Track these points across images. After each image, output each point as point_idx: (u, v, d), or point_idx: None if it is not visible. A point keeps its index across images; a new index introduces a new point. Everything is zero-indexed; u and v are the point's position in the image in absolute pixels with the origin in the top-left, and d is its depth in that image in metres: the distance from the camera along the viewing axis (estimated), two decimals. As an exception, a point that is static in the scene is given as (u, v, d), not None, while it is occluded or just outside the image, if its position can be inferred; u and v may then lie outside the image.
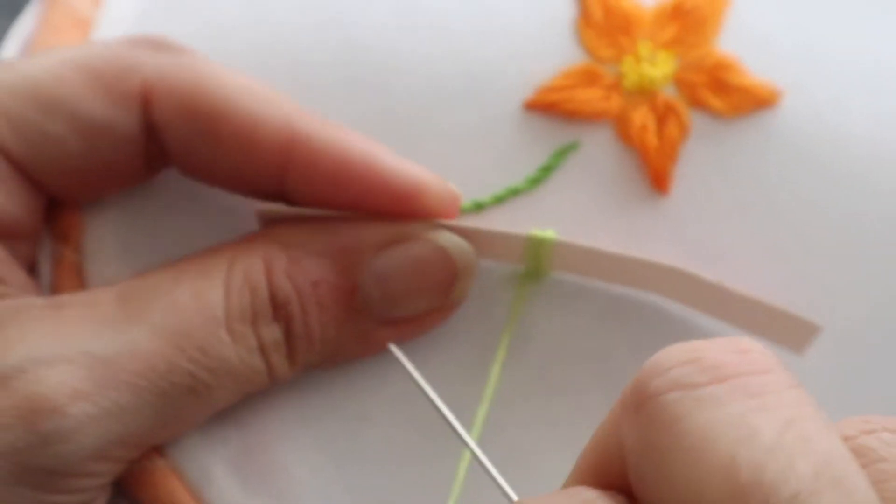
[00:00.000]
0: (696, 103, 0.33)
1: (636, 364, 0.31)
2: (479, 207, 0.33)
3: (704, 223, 0.33)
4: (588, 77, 0.33)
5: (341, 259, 0.29)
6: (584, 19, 0.34)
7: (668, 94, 0.33)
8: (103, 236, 0.32)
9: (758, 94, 0.33)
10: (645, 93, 0.33)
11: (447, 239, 0.30)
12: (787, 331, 0.30)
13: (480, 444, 0.29)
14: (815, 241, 0.33)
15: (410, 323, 0.31)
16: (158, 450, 0.31)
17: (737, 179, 0.33)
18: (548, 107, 0.33)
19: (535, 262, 0.31)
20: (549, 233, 0.31)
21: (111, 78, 0.29)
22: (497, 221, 0.33)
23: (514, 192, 0.33)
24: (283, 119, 0.29)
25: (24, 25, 0.35)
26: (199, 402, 0.29)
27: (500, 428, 0.32)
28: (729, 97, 0.33)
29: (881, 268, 0.32)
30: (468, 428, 0.30)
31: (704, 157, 0.33)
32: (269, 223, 0.30)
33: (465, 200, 0.33)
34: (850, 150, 0.33)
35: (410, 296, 0.30)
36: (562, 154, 0.33)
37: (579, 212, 0.33)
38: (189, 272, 0.29)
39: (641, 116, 0.33)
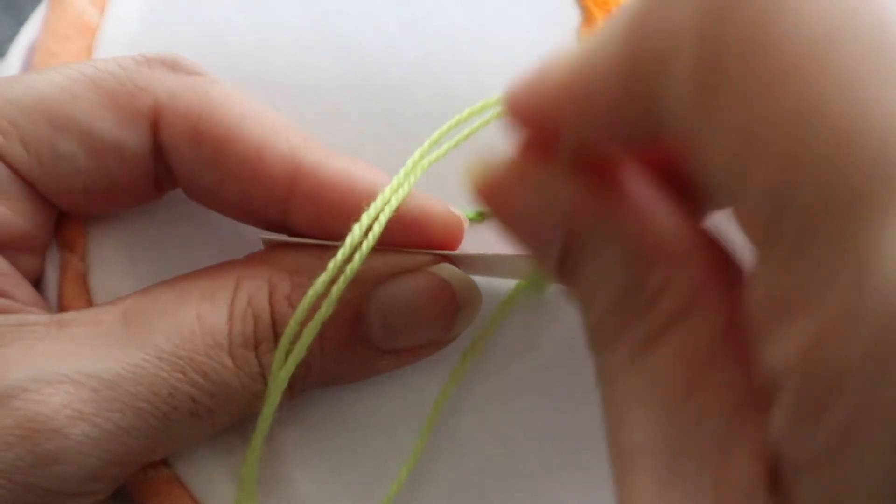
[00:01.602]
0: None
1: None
2: (482, 218, 0.33)
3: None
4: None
5: (346, 289, 0.29)
6: (588, 26, 0.34)
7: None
8: (108, 245, 0.33)
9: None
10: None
11: (451, 272, 0.30)
12: None
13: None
14: None
15: (412, 352, 0.31)
16: (163, 459, 0.31)
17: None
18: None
19: (535, 277, 0.31)
20: None
21: (123, 98, 0.29)
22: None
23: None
24: (289, 148, 0.29)
25: (30, 32, 0.34)
26: (199, 424, 0.29)
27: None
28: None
29: None
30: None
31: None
32: (275, 247, 0.30)
33: (469, 211, 0.33)
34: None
35: (412, 328, 0.30)
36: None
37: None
38: (193, 294, 0.29)
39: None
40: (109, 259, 0.32)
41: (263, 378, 0.29)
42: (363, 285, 0.29)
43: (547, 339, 0.32)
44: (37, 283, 0.32)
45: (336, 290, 0.28)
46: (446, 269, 0.30)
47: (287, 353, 0.28)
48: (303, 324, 0.28)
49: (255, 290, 0.29)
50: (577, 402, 0.32)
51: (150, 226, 0.33)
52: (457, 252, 0.31)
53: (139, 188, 0.30)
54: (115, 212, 0.32)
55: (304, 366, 0.29)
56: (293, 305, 0.29)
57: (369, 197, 0.29)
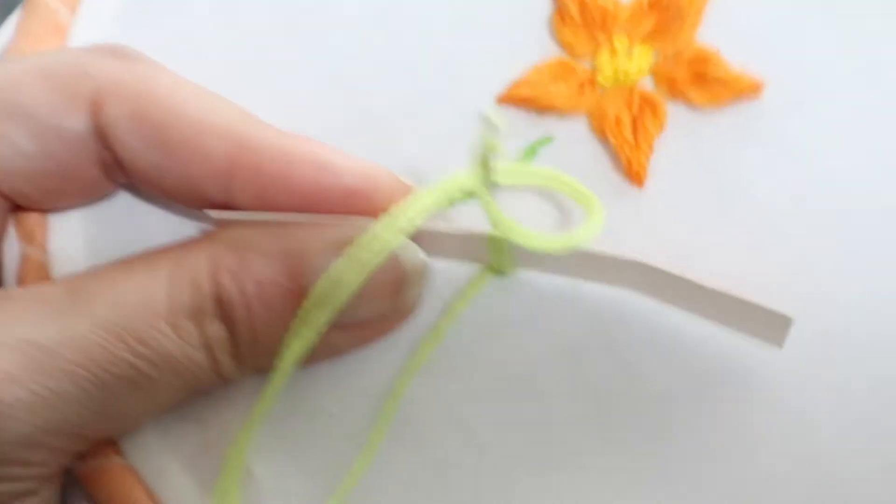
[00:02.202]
0: (675, 96, 0.32)
1: (610, 362, 0.31)
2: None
3: (681, 218, 0.32)
4: (562, 71, 0.33)
5: (289, 260, 0.28)
6: (560, 15, 0.33)
7: (646, 87, 0.33)
8: (69, 236, 0.32)
9: (738, 85, 0.32)
10: (620, 86, 0.33)
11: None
12: (760, 323, 0.29)
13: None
14: (796, 236, 0.31)
15: (364, 328, 0.30)
16: (116, 448, 0.30)
17: (716, 173, 0.32)
18: (521, 101, 0.33)
19: (497, 261, 0.30)
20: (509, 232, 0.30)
21: (64, 81, 0.29)
22: (467, 218, 0.32)
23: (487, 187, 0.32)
24: (228, 124, 0.29)
25: (4, 33, 0.35)
26: (142, 396, 0.28)
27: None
28: (708, 89, 0.32)
29: (863, 264, 0.31)
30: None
31: (683, 149, 0.32)
32: (224, 225, 0.30)
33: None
34: (835, 144, 0.32)
35: (358, 300, 0.29)
36: (535, 149, 0.32)
37: (553, 206, 0.32)
38: (137, 267, 0.29)
39: (616, 110, 0.32)
40: (72, 250, 0.32)
41: (206, 349, 0.28)
42: (308, 255, 0.28)
43: (512, 325, 0.31)
44: (-4, 275, 0.32)
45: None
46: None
47: (228, 320, 0.28)
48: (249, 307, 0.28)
49: (197, 262, 0.28)
50: (544, 391, 0.31)
51: (112, 216, 0.32)
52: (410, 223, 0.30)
53: (88, 177, 0.30)
54: (72, 204, 0.32)
55: (254, 342, 0.28)
56: (236, 279, 0.28)
57: (309, 168, 0.29)
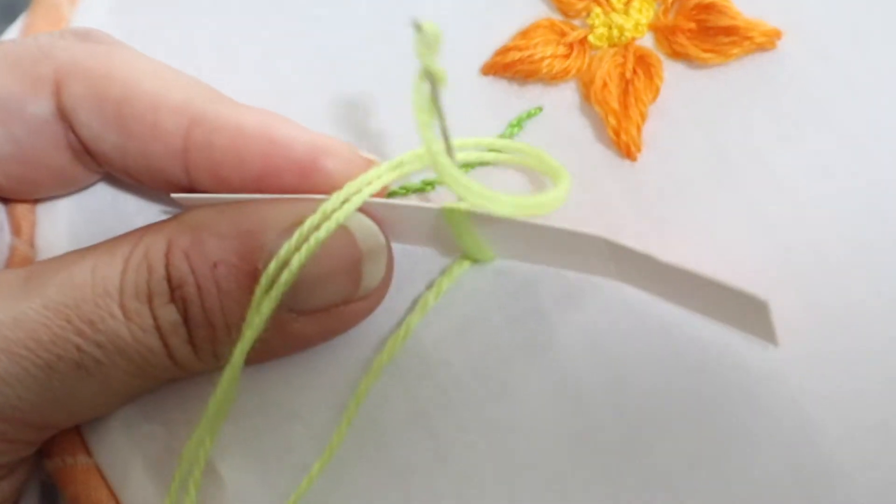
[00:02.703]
0: (676, 53, 0.29)
1: (590, 362, 0.27)
2: (429, 186, 0.30)
3: (681, 193, 0.28)
4: (550, 33, 0.30)
5: (243, 241, 0.27)
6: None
7: (644, 45, 0.29)
8: (56, 230, 0.32)
9: (751, 34, 0.28)
10: (615, 46, 0.29)
11: (349, 219, 0.27)
12: (738, 310, 0.25)
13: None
14: (815, 218, 0.27)
15: (329, 315, 0.28)
16: (84, 447, 0.30)
17: (723, 139, 0.28)
18: (506, 69, 0.30)
19: (462, 238, 0.28)
20: (461, 204, 0.27)
21: (25, 64, 0.29)
22: (449, 198, 0.29)
23: (468, 167, 0.29)
24: (183, 100, 0.28)
25: (13, 31, 0.35)
26: (90, 380, 0.27)
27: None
28: (714, 41, 0.28)
29: (886, 256, 0.26)
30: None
31: (683, 115, 0.28)
32: (187, 208, 0.29)
33: (415, 180, 0.30)
34: (864, 105, 0.27)
35: (314, 281, 0.27)
36: (521, 122, 0.29)
37: (540, 180, 0.29)
38: (95, 250, 0.28)
39: (604, 73, 0.28)
40: (57, 243, 0.32)
41: (158, 333, 0.27)
42: (261, 235, 0.27)
43: (483, 322, 0.28)
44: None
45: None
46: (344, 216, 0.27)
47: (181, 302, 0.27)
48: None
49: (152, 243, 0.27)
50: (514, 393, 0.28)
51: (98, 209, 0.32)
52: (372, 200, 0.27)
53: (57, 162, 0.30)
54: (51, 193, 0.32)
55: (208, 326, 0.27)
56: (190, 259, 0.27)
57: (259, 142, 0.27)
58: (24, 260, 0.32)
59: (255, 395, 0.29)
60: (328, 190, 0.27)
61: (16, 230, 0.32)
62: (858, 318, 0.26)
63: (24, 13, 0.35)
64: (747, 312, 0.25)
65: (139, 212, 0.32)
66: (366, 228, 0.27)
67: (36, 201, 0.32)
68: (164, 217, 0.31)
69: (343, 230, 0.27)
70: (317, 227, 0.26)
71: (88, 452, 0.30)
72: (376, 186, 0.27)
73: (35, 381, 0.27)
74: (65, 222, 0.32)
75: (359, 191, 0.27)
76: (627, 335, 0.27)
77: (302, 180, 0.27)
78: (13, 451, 0.28)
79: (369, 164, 0.28)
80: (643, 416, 0.27)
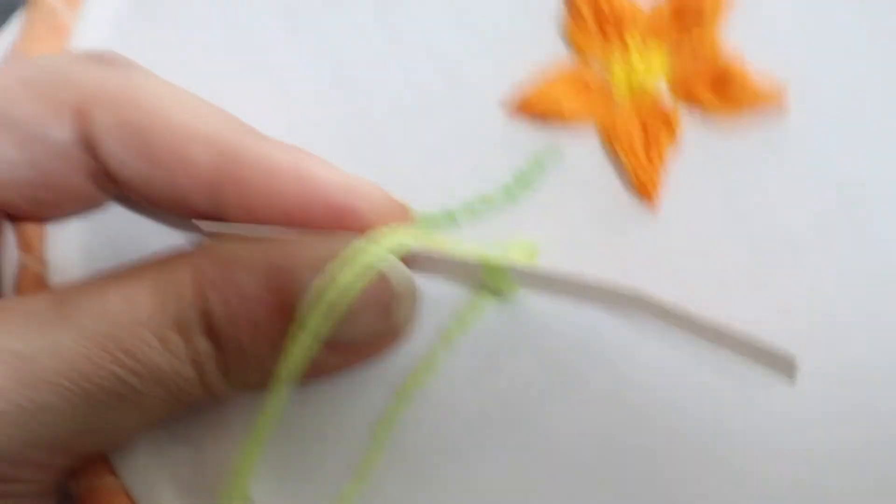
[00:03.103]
0: (692, 102, 0.31)
1: (611, 393, 0.29)
2: (450, 219, 0.31)
3: (695, 241, 0.30)
4: (571, 76, 0.31)
5: (274, 275, 0.28)
6: (572, 14, 0.31)
7: (661, 93, 0.31)
8: (66, 247, 0.32)
9: (761, 93, 0.30)
10: (634, 93, 0.31)
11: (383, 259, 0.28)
12: (766, 360, 0.27)
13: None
14: (818, 266, 0.29)
15: (356, 348, 0.29)
16: (110, 468, 0.30)
17: (734, 189, 0.30)
18: (529, 109, 0.31)
19: (495, 286, 0.29)
20: (505, 257, 0.28)
21: (48, 88, 0.29)
22: (469, 233, 0.31)
23: (489, 203, 0.31)
24: (213, 131, 0.28)
25: (8, 35, 0.34)
26: (129, 409, 0.27)
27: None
28: (728, 96, 0.30)
29: (886, 301, 0.29)
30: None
31: (698, 165, 0.30)
32: (212, 237, 0.29)
33: (437, 210, 0.31)
34: (865, 163, 0.30)
35: (347, 318, 0.28)
36: (542, 161, 0.31)
37: (559, 224, 0.31)
38: (124, 278, 0.28)
39: (626, 119, 0.30)
40: (69, 260, 0.32)
41: (193, 363, 0.27)
42: (294, 271, 0.27)
43: (510, 352, 0.30)
44: (-7, 284, 0.32)
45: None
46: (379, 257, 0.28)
47: (213, 334, 0.28)
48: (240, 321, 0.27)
49: (184, 274, 0.28)
50: (541, 422, 0.29)
51: (109, 226, 0.32)
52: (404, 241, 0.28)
53: (76, 186, 0.30)
54: (66, 216, 0.31)
55: (240, 357, 0.28)
56: (220, 292, 0.27)
57: (293, 181, 0.28)
58: (35, 276, 0.32)
59: (283, 417, 0.30)
60: (361, 231, 0.28)
61: (25, 246, 0.32)
62: (862, 377, 0.29)
63: (17, 16, 0.35)
64: (772, 362, 0.27)
65: (152, 229, 0.32)
66: (399, 270, 0.28)
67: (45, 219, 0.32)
68: (179, 237, 0.31)
69: (376, 271, 0.28)
70: (350, 267, 0.27)
71: (114, 473, 0.30)
72: (412, 239, 0.28)
73: (75, 410, 0.27)
74: (76, 237, 0.32)
75: (393, 236, 0.28)
76: (644, 370, 0.29)
77: (334, 221, 0.28)
78: (47, 479, 0.28)
79: (401, 208, 0.29)
80: (657, 449, 0.29)
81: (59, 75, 0.29)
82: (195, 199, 0.29)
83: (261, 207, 0.28)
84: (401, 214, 0.29)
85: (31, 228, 0.32)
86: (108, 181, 0.30)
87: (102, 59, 0.30)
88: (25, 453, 0.27)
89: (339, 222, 0.28)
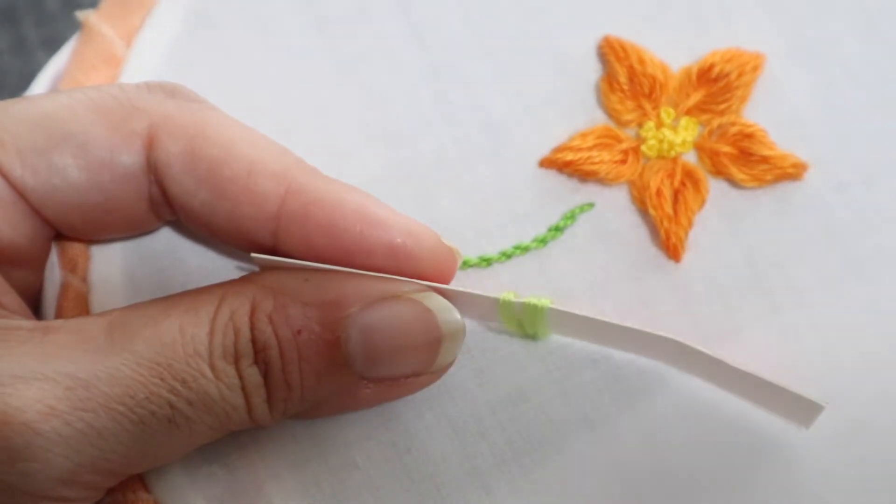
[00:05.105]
0: (718, 171, 0.33)
1: (634, 434, 0.31)
2: (486, 263, 0.33)
3: (717, 295, 0.32)
4: (607, 139, 0.33)
5: (327, 311, 0.29)
6: (608, 82, 0.34)
7: (689, 160, 0.33)
8: (110, 268, 0.33)
9: (782, 165, 0.32)
10: (664, 158, 0.33)
11: (435, 302, 0.29)
12: (792, 407, 0.29)
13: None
14: (828, 321, 0.32)
15: (397, 384, 0.30)
16: (144, 484, 0.31)
17: (755, 252, 0.32)
18: (563, 166, 0.33)
19: (530, 327, 0.31)
20: (544, 301, 0.30)
21: (119, 116, 0.30)
22: (502, 278, 0.32)
23: (522, 250, 0.32)
24: (280, 168, 0.29)
25: (59, 61, 0.35)
26: (178, 435, 0.28)
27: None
28: (752, 167, 0.32)
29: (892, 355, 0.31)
30: None
31: (722, 226, 0.32)
32: (264, 269, 0.30)
33: (474, 255, 0.33)
34: (874, 230, 0.32)
35: (394, 355, 0.29)
36: (574, 215, 0.33)
37: (588, 273, 0.32)
38: (178, 306, 0.29)
39: (658, 182, 0.32)
40: (112, 281, 0.32)
41: (243, 392, 0.28)
42: (346, 307, 0.29)
43: (536, 390, 0.32)
44: (35, 301, 0.33)
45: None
46: (431, 299, 0.29)
47: (263, 365, 0.28)
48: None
49: (237, 305, 0.29)
50: (563, 463, 0.31)
51: (152, 250, 0.33)
52: (445, 286, 0.30)
53: (134, 211, 0.31)
54: (115, 237, 0.32)
55: (286, 388, 0.29)
56: (274, 324, 0.28)
57: (356, 221, 0.29)
58: (77, 295, 0.32)
59: (313, 444, 0.31)
60: (413, 273, 0.29)
61: (70, 266, 0.32)
62: (873, 413, 0.31)
63: (70, 44, 0.35)
64: (795, 408, 0.29)
65: (195, 256, 0.33)
66: (447, 311, 0.29)
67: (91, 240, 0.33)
68: (224, 264, 0.32)
69: (426, 311, 0.29)
70: (404, 307, 0.29)
71: (148, 490, 0.31)
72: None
73: (129, 435, 0.27)
74: (119, 259, 0.33)
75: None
76: (667, 412, 0.31)
77: (391, 261, 0.29)
78: (91, 498, 0.29)
79: (451, 253, 0.30)
80: (678, 489, 0.31)
81: (130, 103, 0.30)
82: (256, 231, 0.30)
83: (322, 244, 0.29)
84: (451, 258, 0.30)
85: (75, 248, 0.32)
86: (165, 207, 0.31)
87: (172, 91, 0.31)
88: (77, 475, 0.27)
89: (395, 262, 0.29)
